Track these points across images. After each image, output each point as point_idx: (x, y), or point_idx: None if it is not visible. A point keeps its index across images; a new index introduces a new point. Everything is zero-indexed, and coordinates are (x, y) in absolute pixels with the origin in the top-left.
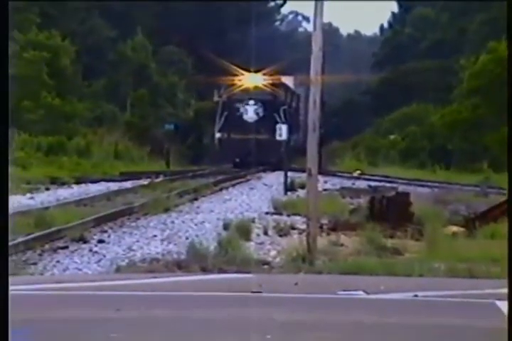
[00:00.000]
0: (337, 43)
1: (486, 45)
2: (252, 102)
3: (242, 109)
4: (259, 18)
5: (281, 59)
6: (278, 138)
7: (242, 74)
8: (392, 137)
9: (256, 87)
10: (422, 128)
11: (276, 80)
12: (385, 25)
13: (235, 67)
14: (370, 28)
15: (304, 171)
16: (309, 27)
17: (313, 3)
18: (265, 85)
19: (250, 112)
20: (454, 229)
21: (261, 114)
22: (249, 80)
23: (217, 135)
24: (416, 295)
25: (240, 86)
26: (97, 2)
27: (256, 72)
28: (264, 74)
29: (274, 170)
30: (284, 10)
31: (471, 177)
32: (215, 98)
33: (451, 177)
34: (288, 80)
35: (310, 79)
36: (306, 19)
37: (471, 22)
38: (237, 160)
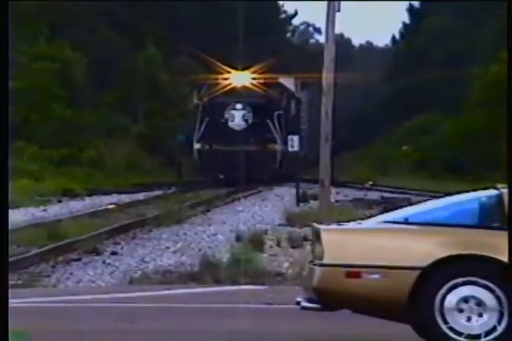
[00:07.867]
0: (349, 54)
1: (498, 54)
2: (239, 106)
3: (227, 115)
4: (271, 30)
5: (294, 69)
6: (290, 149)
7: (228, 72)
8: (404, 148)
9: (245, 88)
10: (433, 138)
11: (270, 79)
12: (397, 35)
13: (219, 64)
14: (383, 38)
15: (314, 182)
16: (321, 38)
17: (324, 14)
18: (256, 85)
19: (237, 118)
20: None
21: (250, 121)
22: (237, 79)
23: (196, 146)
24: None
25: (225, 86)
26: (103, 11)
27: (244, 69)
28: (254, 73)
29: (283, 182)
30: (295, 21)
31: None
32: (194, 100)
33: (463, 188)
34: (287, 81)
35: (320, 82)
36: (318, 30)
37: (484, 31)
38: (221, 176)
